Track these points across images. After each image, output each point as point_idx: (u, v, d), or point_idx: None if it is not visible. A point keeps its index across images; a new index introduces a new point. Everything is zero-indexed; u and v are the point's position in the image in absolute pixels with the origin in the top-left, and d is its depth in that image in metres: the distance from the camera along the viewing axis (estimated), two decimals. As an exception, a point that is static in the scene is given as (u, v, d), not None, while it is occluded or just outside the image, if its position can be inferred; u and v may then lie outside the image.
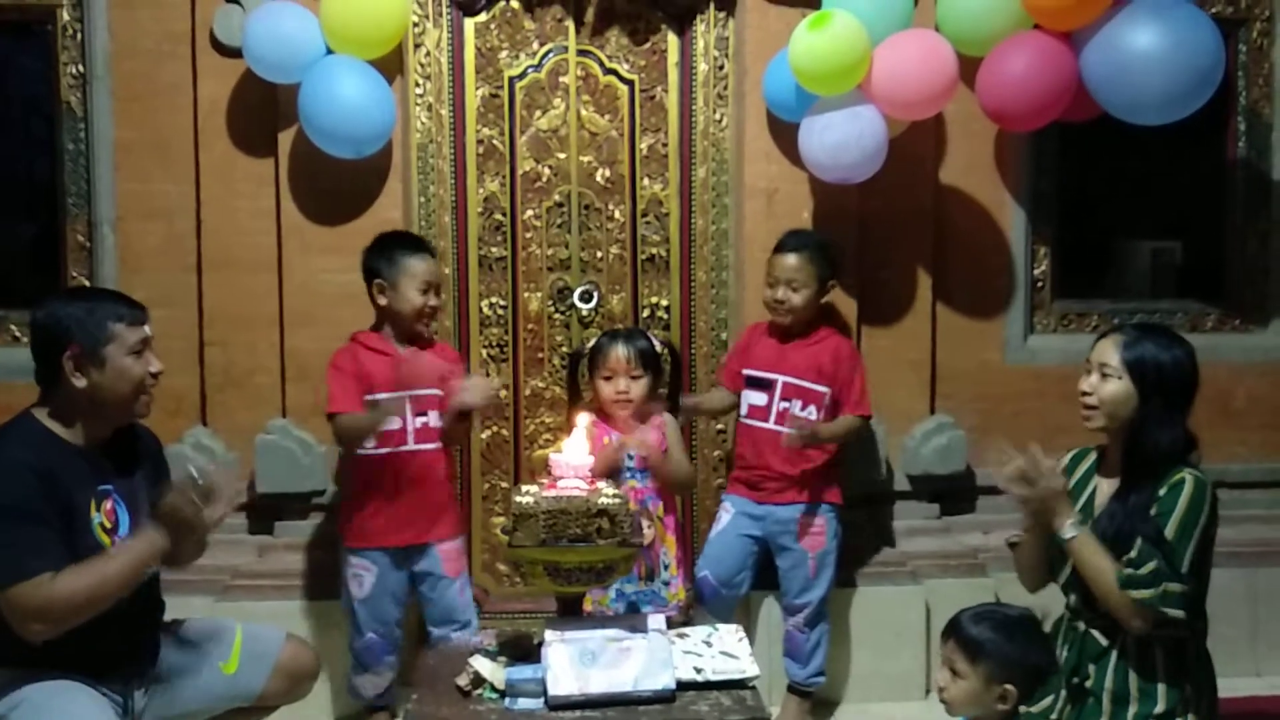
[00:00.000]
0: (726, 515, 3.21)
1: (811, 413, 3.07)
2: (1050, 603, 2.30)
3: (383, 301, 2.92)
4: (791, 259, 3.08)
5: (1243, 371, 3.73)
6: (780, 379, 3.11)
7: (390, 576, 2.94)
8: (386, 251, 2.94)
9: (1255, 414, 3.75)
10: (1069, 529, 2.16)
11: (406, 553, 2.96)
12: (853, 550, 3.42)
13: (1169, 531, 2.08)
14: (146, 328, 2.22)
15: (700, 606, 3.13)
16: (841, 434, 3.10)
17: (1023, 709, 2.00)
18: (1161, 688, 2.14)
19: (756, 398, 3.15)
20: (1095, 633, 2.21)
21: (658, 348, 3.00)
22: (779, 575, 3.19)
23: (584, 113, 3.57)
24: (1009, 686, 1.96)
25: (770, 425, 3.12)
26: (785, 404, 3.10)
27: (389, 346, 2.94)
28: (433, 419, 2.94)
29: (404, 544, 2.94)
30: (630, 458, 2.91)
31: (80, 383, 2.13)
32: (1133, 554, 2.11)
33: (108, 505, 2.18)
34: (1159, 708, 2.13)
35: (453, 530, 3.00)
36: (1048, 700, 2.21)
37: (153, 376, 2.22)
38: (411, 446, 2.91)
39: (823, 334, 3.18)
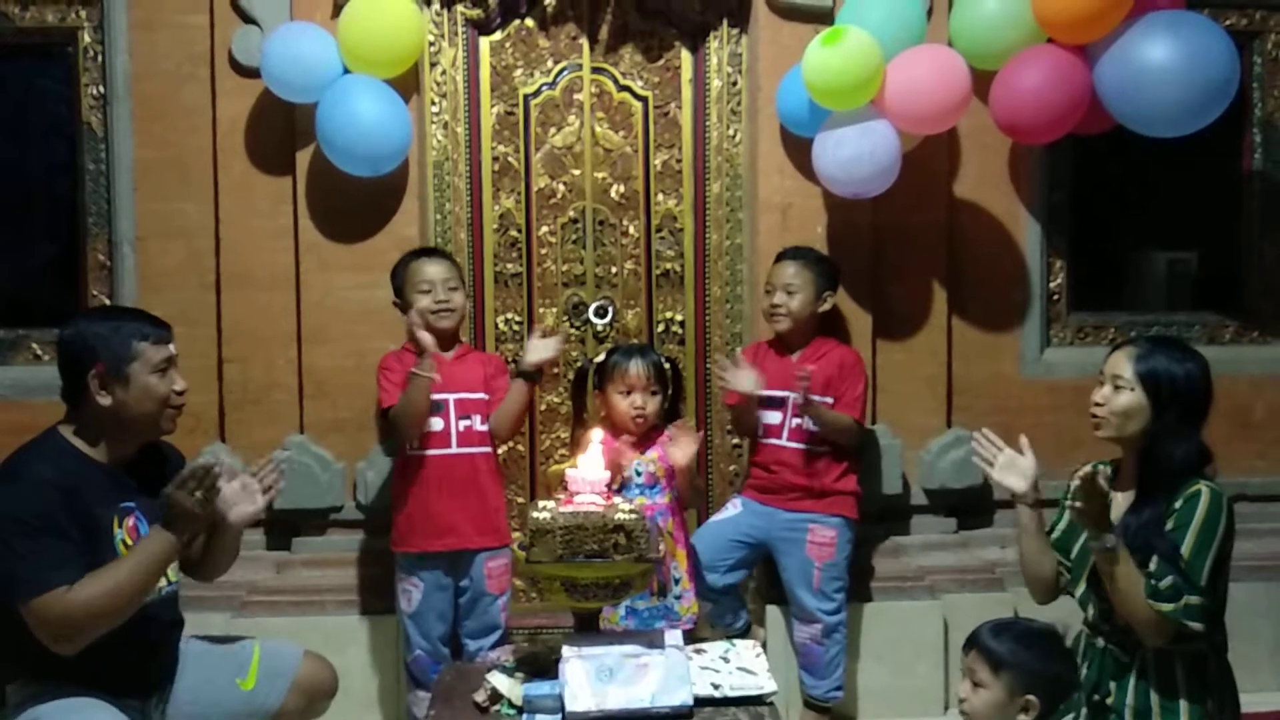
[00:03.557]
0: (732, 509, 3.24)
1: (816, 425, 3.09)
2: (1070, 619, 2.29)
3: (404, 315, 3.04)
4: (790, 266, 3.15)
5: (1261, 384, 3.71)
6: (791, 396, 3.11)
7: (436, 594, 2.98)
8: (398, 269, 3.06)
9: (1275, 426, 3.72)
10: (1110, 539, 2.12)
11: (452, 563, 2.99)
12: (869, 565, 3.42)
13: (1186, 545, 2.07)
14: (171, 346, 2.24)
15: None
16: (834, 424, 3.07)
17: (1043, 725, 1.99)
18: (1183, 704, 2.12)
19: (770, 417, 3.16)
20: (1115, 649, 2.20)
21: (665, 366, 3.03)
22: (783, 583, 3.20)
23: (598, 129, 3.59)
24: (1031, 697, 1.95)
25: (784, 442, 3.14)
26: (799, 420, 3.11)
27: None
28: (476, 422, 2.99)
29: (447, 549, 2.96)
30: (639, 474, 2.92)
31: (105, 401, 2.15)
32: (1152, 568, 2.09)
33: (130, 522, 2.19)
34: (1181, 723, 2.12)
35: (499, 539, 3.01)
36: (1068, 718, 2.19)
37: (177, 394, 2.23)
38: (455, 450, 2.96)
39: (826, 347, 3.20)
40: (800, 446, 3.13)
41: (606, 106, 3.60)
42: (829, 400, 3.10)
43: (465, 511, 2.96)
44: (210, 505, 2.15)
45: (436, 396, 2.92)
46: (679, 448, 2.85)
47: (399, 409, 2.92)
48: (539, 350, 3.01)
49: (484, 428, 3.01)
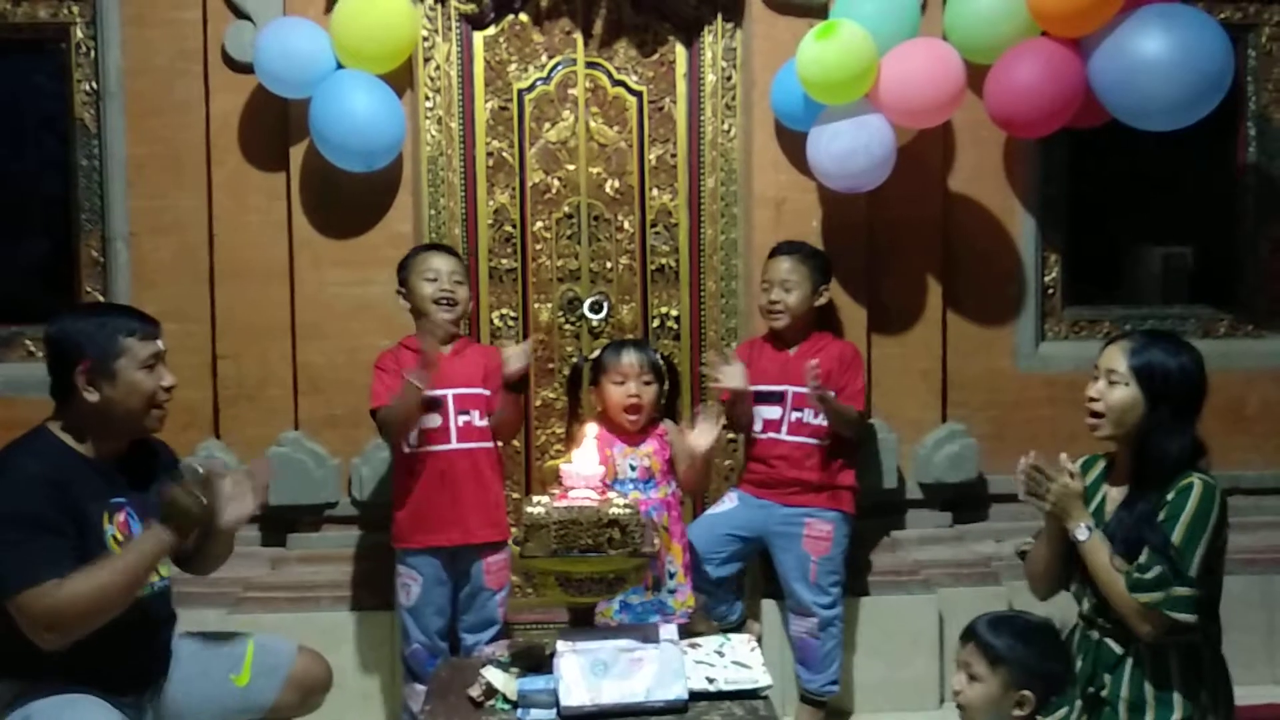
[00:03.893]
0: (728, 503, 3.25)
1: (825, 419, 3.08)
2: (1067, 614, 2.29)
3: (407, 305, 3.03)
4: (785, 262, 3.15)
5: (1255, 377, 3.71)
6: (790, 390, 3.12)
7: (435, 588, 2.99)
8: (406, 259, 3.07)
9: (1268, 420, 3.72)
10: (1081, 531, 2.16)
11: (452, 557, 2.99)
12: (864, 559, 3.42)
13: (1176, 535, 2.08)
14: (159, 342, 2.23)
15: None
16: (843, 416, 3.08)
17: (1039, 718, 2.00)
18: (1177, 695, 2.13)
19: (769, 412, 3.16)
20: (1109, 641, 2.21)
21: (659, 361, 3.03)
22: (779, 576, 3.20)
23: (593, 124, 3.59)
24: (1026, 692, 1.95)
25: (783, 436, 3.14)
26: (798, 414, 3.12)
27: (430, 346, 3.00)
28: (475, 418, 2.98)
29: (448, 544, 2.97)
30: (633, 469, 2.91)
31: (92, 397, 2.14)
32: (1141, 559, 2.10)
33: (120, 518, 2.19)
34: (1175, 715, 2.13)
35: (499, 535, 3.02)
36: (1063, 711, 2.20)
37: (165, 390, 2.22)
38: (454, 445, 2.96)
39: (823, 340, 3.21)
40: (799, 441, 3.14)
41: (601, 101, 3.59)
42: (830, 394, 3.10)
43: (465, 507, 2.96)
44: (209, 507, 2.15)
45: (436, 392, 2.91)
46: (702, 433, 2.85)
47: (384, 415, 2.92)
48: (517, 360, 2.96)
49: (484, 423, 3.00)
